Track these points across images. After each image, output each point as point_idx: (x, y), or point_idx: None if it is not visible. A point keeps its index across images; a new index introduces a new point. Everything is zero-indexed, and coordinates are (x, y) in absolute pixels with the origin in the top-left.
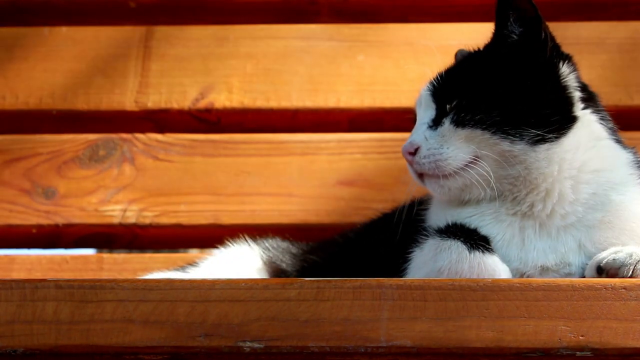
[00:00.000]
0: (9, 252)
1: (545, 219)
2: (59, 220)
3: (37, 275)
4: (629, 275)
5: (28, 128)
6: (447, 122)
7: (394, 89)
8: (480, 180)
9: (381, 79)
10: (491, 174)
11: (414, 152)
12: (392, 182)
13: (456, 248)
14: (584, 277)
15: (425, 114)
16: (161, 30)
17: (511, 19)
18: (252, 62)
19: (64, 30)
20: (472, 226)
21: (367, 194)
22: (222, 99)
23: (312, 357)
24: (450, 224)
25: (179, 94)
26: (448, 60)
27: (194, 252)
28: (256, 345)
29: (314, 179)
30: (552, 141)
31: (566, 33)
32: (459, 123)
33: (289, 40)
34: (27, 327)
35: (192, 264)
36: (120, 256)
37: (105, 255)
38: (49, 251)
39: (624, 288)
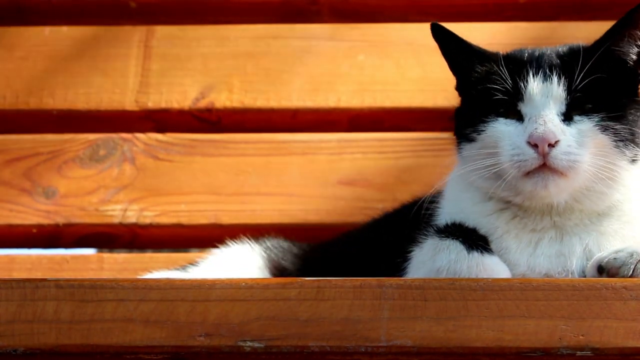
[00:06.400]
0: (10, 252)
1: (569, 229)
2: (60, 219)
3: (38, 275)
4: (630, 274)
5: (28, 128)
6: (587, 122)
7: (394, 89)
8: (584, 188)
9: (381, 79)
10: (588, 184)
11: (554, 144)
12: (393, 182)
13: (455, 248)
14: (584, 276)
15: (550, 101)
16: (161, 30)
17: None
18: (253, 62)
19: (65, 29)
20: (493, 225)
21: (368, 193)
22: (222, 99)
23: (312, 356)
24: (449, 223)
25: (180, 94)
26: None
27: (194, 252)
28: (256, 344)
29: (315, 178)
30: None
31: (566, 33)
32: (600, 127)
33: (289, 40)
34: (27, 327)
35: (192, 263)
36: (120, 256)
37: (106, 255)
38: (49, 251)
39: (625, 287)
